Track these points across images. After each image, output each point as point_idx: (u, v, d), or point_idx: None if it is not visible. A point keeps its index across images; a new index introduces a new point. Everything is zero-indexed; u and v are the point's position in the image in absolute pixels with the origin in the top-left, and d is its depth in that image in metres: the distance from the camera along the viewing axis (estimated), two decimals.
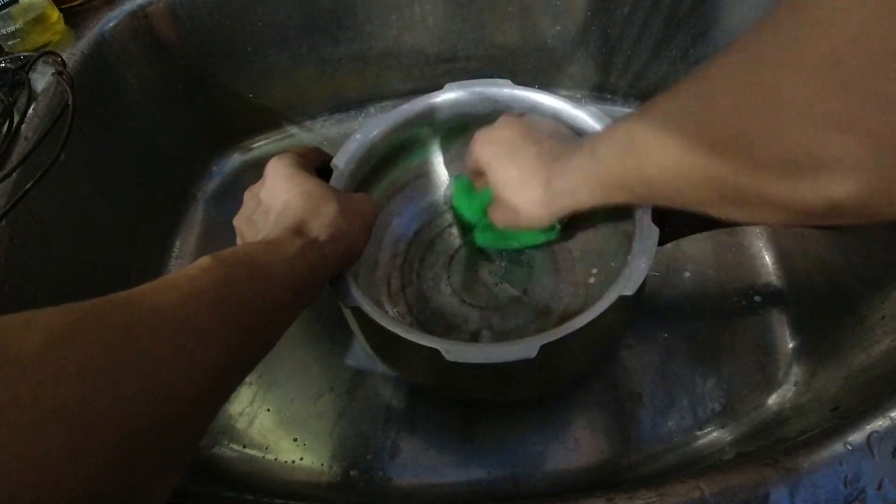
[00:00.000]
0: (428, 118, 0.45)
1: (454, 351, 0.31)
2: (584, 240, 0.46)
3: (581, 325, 0.31)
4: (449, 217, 0.50)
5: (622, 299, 0.32)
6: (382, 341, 0.37)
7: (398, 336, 0.32)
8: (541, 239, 0.43)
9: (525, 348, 0.31)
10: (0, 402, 0.16)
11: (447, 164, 0.50)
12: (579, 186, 0.33)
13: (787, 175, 0.21)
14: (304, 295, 0.29)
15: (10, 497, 0.15)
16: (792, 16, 0.19)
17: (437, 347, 0.31)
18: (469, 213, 0.44)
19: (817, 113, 0.19)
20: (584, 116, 0.41)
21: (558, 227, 0.41)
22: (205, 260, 0.25)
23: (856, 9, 0.17)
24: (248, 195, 0.36)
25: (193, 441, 0.23)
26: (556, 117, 0.42)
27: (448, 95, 0.44)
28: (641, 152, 0.28)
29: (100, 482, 0.17)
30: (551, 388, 0.42)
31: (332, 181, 0.40)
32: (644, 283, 0.34)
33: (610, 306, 0.32)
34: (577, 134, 0.41)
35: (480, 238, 0.44)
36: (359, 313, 0.34)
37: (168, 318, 0.21)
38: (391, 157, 0.46)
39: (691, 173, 0.25)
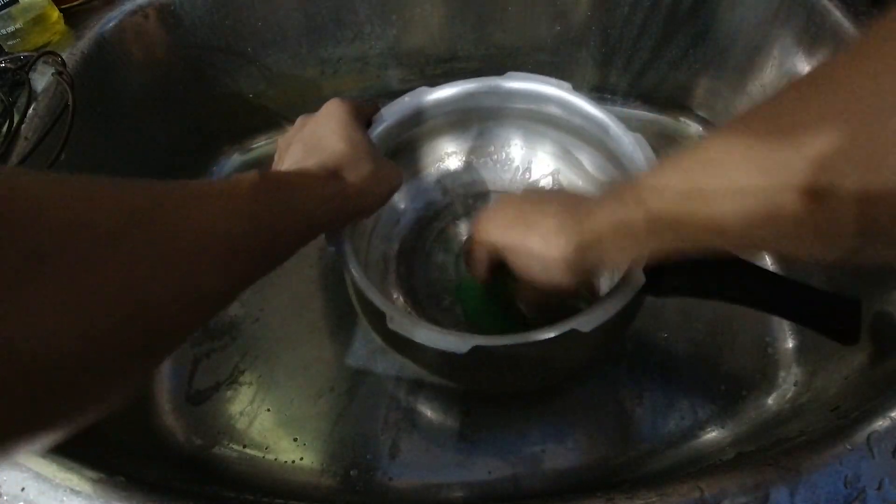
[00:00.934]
0: (487, 99, 0.46)
1: (397, 321, 0.33)
2: None
3: (520, 342, 0.32)
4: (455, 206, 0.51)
5: (574, 332, 0.31)
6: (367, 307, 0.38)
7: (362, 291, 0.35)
8: None
9: (458, 343, 0.32)
10: (72, 262, 0.17)
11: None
12: (620, 238, 0.28)
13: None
14: (318, 231, 0.31)
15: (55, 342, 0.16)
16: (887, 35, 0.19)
17: (384, 311, 0.33)
18: (490, 320, 0.42)
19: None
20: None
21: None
22: (251, 174, 0.27)
23: None
24: (299, 121, 0.37)
25: (203, 320, 0.24)
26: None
27: (513, 84, 0.45)
28: (706, 193, 0.23)
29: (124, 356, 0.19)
30: (492, 387, 0.43)
31: (372, 131, 0.41)
32: (625, 319, 0.34)
33: (560, 335, 0.31)
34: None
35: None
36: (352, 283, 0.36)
37: (210, 229, 0.23)
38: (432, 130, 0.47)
39: (779, 211, 0.21)
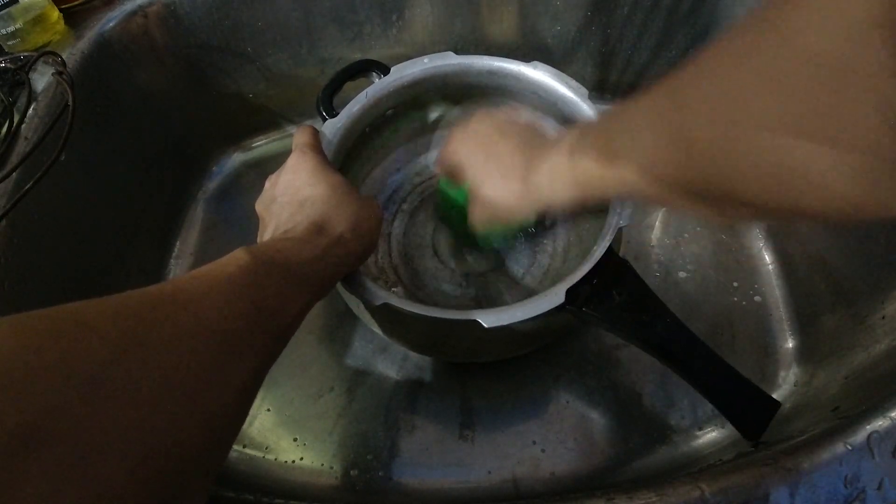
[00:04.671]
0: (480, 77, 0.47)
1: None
2: (565, 230, 0.49)
3: (421, 313, 0.34)
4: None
5: (475, 323, 0.34)
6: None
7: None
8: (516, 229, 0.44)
9: (374, 297, 0.34)
10: (66, 426, 0.15)
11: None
12: (556, 183, 0.33)
13: (762, 181, 0.21)
14: (324, 292, 0.30)
15: None
16: (760, 26, 0.20)
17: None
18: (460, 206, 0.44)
19: (787, 122, 0.19)
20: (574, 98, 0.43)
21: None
22: (242, 256, 0.25)
23: (813, 29, 0.18)
24: (269, 182, 0.36)
25: (225, 455, 0.22)
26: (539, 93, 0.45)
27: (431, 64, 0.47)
28: (617, 155, 0.28)
29: None
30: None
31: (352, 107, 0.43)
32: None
33: (462, 320, 0.34)
34: (566, 120, 0.41)
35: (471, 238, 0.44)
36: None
37: (209, 329, 0.21)
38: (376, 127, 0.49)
39: (668, 178, 0.25)
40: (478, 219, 0.39)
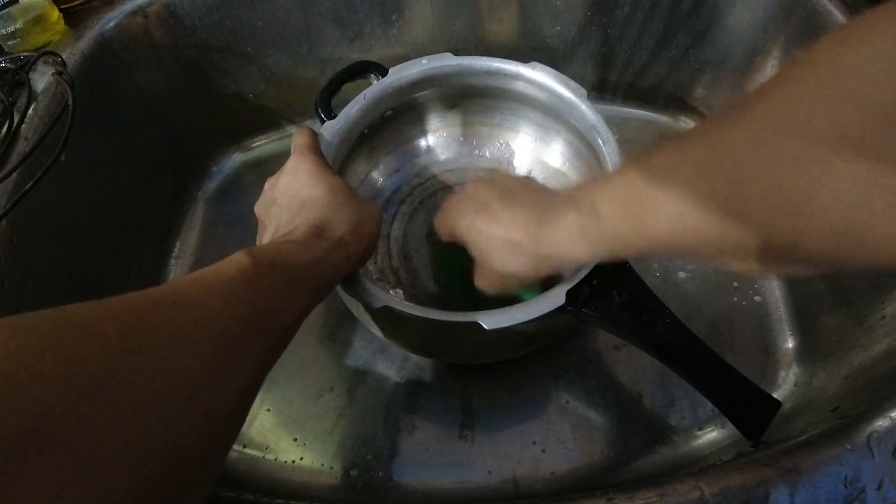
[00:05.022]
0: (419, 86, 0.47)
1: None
2: None
3: (424, 316, 0.34)
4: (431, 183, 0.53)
5: (476, 325, 0.34)
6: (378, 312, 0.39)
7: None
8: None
9: (376, 300, 0.35)
10: (64, 433, 0.15)
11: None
12: (576, 243, 0.31)
13: (833, 235, 0.20)
14: (324, 295, 0.30)
15: None
16: (814, 69, 0.19)
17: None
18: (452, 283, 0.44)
19: (857, 175, 0.18)
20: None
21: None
22: (242, 259, 0.25)
23: (872, 73, 0.17)
24: (268, 184, 0.36)
25: (225, 456, 0.22)
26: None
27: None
28: (650, 211, 0.26)
29: None
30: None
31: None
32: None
33: (465, 322, 0.34)
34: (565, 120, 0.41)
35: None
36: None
37: (209, 332, 0.21)
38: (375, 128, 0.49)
39: (707, 234, 0.24)
40: (486, 286, 0.38)
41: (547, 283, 0.38)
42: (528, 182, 0.38)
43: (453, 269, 0.43)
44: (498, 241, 0.34)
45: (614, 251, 0.30)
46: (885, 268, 0.20)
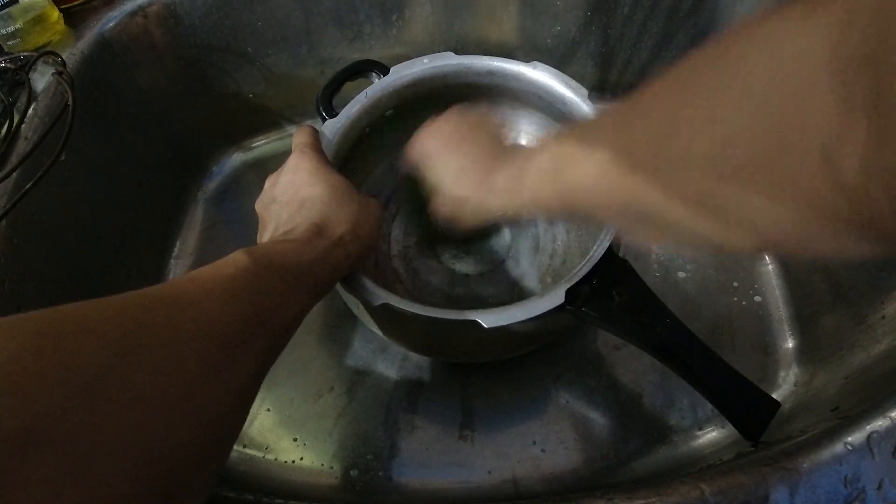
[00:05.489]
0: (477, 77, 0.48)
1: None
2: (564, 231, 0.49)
3: (419, 313, 0.34)
4: None
5: (475, 323, 0.34)
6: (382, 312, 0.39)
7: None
8: None
9: (374, 298, 0.35)
10: (62, 432, 0.15)
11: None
12: (509, 193, 0.33)
13: (700, 215, 0.20)
14: (323, 294, 0.30)
15: None
16: (713, 62, 0.19)
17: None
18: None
19: (728, 169, 0.18)
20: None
21: None
22: (241, 258, 0.25)
23: (763, 72, 0.16)
24: (269, 182, 0.36)
25: (225, 456, 0.22)
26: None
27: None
28: (564, 172, 0.27)
29: None
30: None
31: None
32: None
33: (462, 320, 0.34)
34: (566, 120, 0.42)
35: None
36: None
37: (208, 331, 0.21)
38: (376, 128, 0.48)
39: (610, 196, 0.25)
40: (440, 212, 0.39)
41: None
42: (500, 128, 0.40)
43: (416, 199, 0.43)
44: (453, 167, 0.36)
45: (540, 208, 0.32)
46: (736, 253, 0.20)
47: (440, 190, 0.38)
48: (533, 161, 0.31)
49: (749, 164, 0.17)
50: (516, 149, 0.36)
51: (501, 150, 0.36)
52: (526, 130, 0.52)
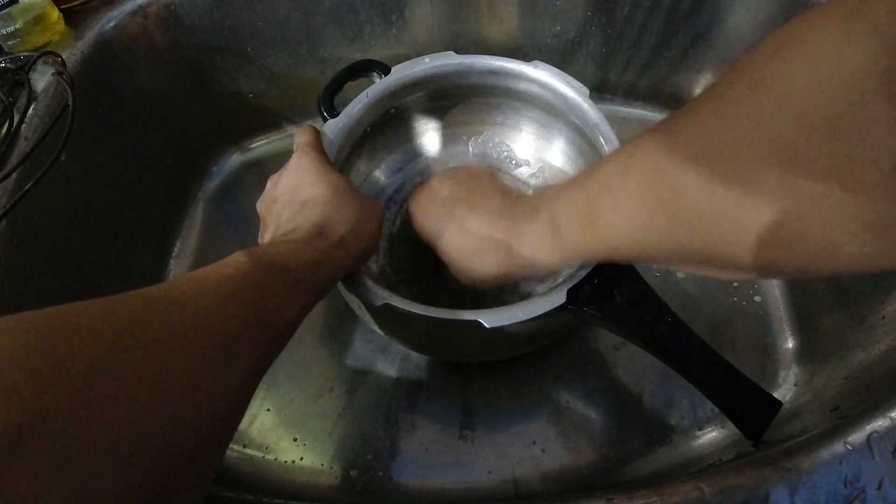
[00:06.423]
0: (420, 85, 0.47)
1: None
2: None
3: (424, 314, 0.34)
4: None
5: (477, 323, 0.34)
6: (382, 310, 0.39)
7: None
8: None
9: (375, 297, 0.35)
10: (54, 430, 0.15)
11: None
12: (542, 254, 0.32)
13: (762, 247, 0.20)
14: (323, 294, 0.30)
15: None
16: (750, 84, 0.19)
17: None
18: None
19: (786, 189, 0.18)
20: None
21: None
22: (240, 258, 0.25)
23: (807, 87, 0.17)
24: (271, 182, 0.36)
25: (220, 454, 0.22)
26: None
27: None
28: (604, 223, 0.27)
29: None
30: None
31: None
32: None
33: (465, 320, 0.34)
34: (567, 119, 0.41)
35: None
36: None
37: (203, 329, 0.21)
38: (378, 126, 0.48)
39: (658, 245, 0.25)
40: (462, 280, 0.38)
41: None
42: (491, 179, 0.38)
43: (416, 253, 0.43)
44: (470, 247, 0.35)
45: (578, 258, 0.31)
46: (821, 274, 0.20)
47: (455, 266, 0.37)
48: (560, 223, 0.30)
49: (811, 180, 0.17)
50: (525, 202, 0.34)
51: (511, 205, 0.34)
52: (527, 130, 0.52)
